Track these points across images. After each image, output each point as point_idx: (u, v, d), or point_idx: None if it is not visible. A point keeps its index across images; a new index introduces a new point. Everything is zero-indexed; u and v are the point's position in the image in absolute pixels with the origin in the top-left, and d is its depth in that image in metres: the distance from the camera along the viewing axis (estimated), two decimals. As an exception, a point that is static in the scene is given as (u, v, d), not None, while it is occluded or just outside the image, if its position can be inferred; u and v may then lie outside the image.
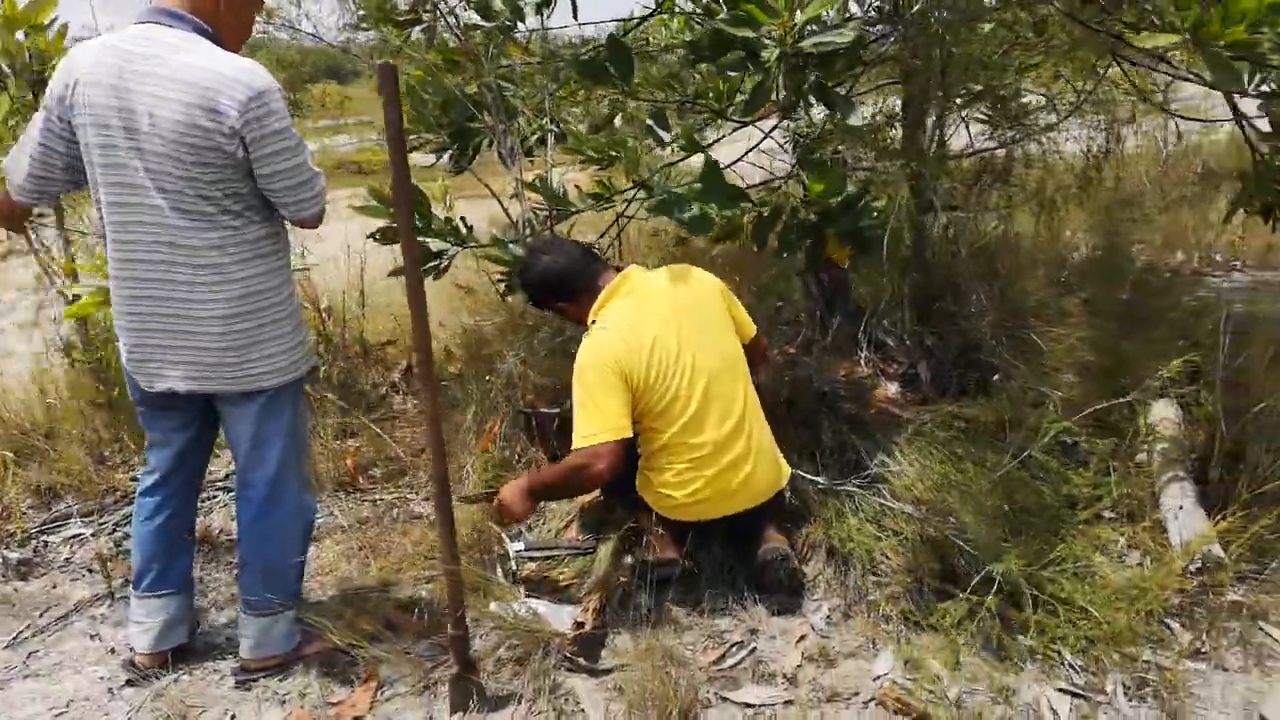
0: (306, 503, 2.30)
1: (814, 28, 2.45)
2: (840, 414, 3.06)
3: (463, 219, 3.11)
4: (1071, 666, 2.15)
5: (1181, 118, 4.21)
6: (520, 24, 3.79)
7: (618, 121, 3.31)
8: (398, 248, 3.06)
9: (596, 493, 2.76)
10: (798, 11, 2.37)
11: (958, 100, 3.61)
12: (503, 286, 3.39)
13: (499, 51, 3.57)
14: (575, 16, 3.52)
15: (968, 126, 3.98)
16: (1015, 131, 3.70)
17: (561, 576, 2.57)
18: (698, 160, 3.04)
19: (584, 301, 2.44)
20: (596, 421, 2.25)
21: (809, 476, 2.71)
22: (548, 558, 2.65)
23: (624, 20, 3.66)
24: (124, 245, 1.99)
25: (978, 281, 3.69)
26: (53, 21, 3.22)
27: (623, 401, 2.26)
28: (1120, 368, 3.43)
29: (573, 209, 3.59)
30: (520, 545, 2.68)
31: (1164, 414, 3.13)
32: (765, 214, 2.87)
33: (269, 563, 2.22)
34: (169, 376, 2.06)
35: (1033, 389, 3.28)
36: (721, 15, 2.43)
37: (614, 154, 3.77)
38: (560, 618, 2.33)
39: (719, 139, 3.68)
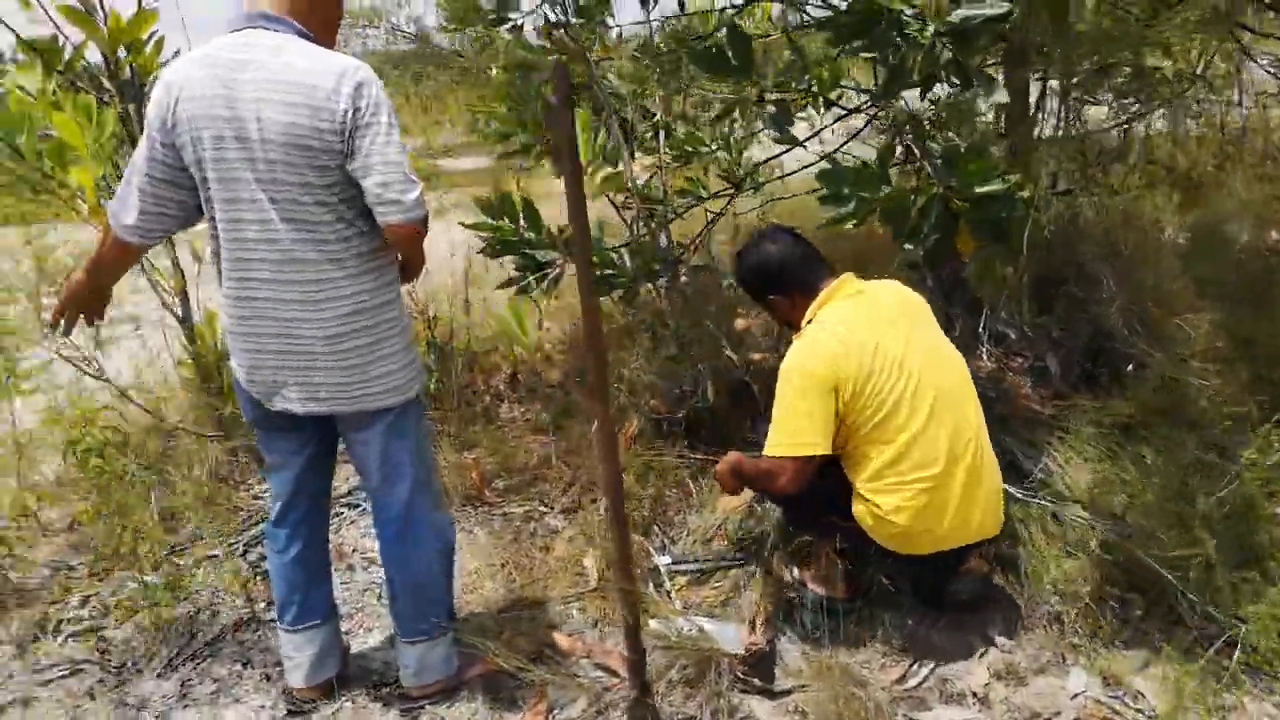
0: (443, 522, 2.21)
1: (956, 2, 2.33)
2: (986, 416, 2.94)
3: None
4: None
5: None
6: (610, 19, 3.73)
7: (736, 114, 3.19)
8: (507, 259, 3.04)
9: (743, 500, 2.67)
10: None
11: (1078, 78, 3.48)
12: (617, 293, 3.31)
13: (588, 48, 3.50)
14: (645, 7, 3.43)
15: (1078, 105, 3.83)
16: (1142, 106, 3.53)
17: (715, 591, 2.48)
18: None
19: (798, 299, 2.29)
20: (785, 434, 2.14)
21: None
22: (698, 571, 2.56)
23: (709, 10, 3.56)
24: (238, 262, 1.92)
25: (1103, 264, 3.55)
26: (151, 35, 3.17)
27: (822, 417, 2.10)
28: (1260, 353, 3.28)
29: (672, 210, 3.51)
30: (668, 559, 2.60)
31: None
32: (905, 201, 2.74)
33: (417, 587, 2.15)
34: (288, 397, 1.98)
35: (1174, 378, 3.13)
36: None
37: (714, 150, 3.68)
38: (728, 636, 2.24)
39: (817, 132, 3.57)
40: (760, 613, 2.30)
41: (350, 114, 1.80)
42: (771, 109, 2.73)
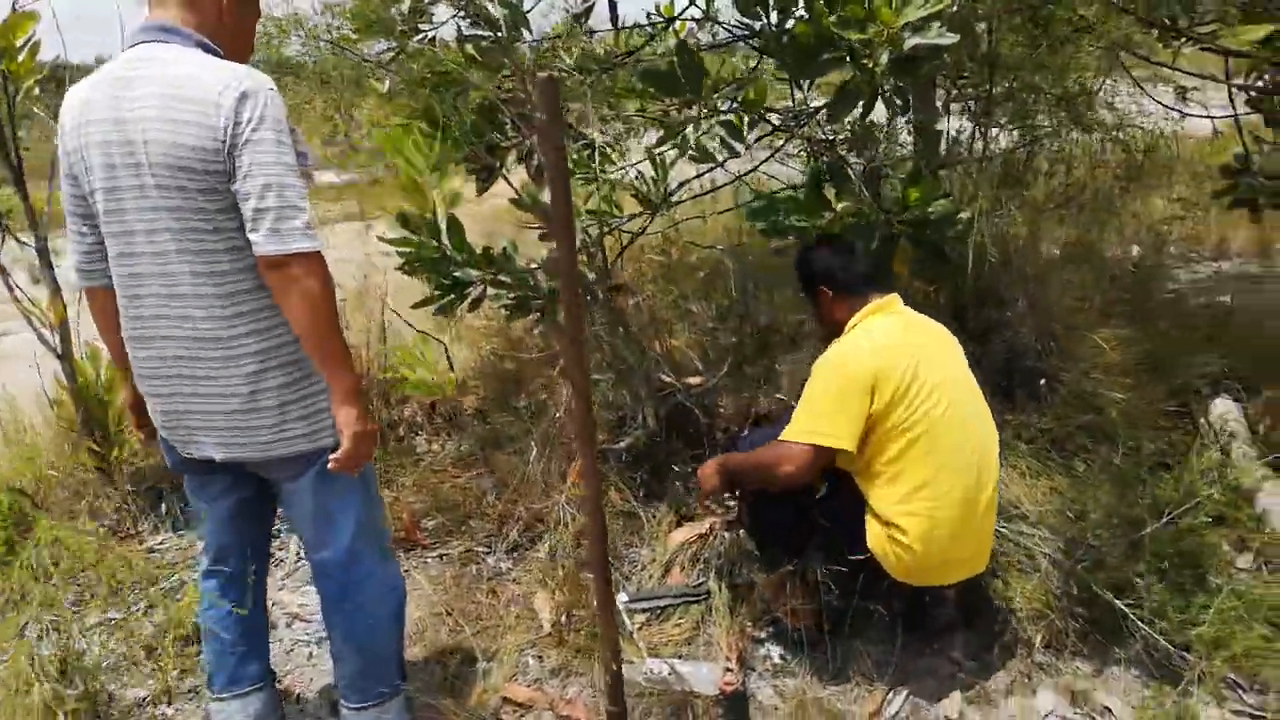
0: (392, 574, 2.00)
1: (908, 30, 2.35)
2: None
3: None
4: (1238, 685, 2.11)
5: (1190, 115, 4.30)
6: (526, 32, 3.61)
7: (690, 132, 3.13)
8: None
9: (693, 532, 2.59)
10: (905, 10, 2.27)
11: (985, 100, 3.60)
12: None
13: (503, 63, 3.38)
14: (615, 24, 3.36)
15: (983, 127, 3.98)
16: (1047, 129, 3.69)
17: (678, 629, 2.39)
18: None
19: (847, 302, 2.24)
20: (807, 420, 2.06)
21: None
22: (658, 607, 2.46)
23: (632, 27, 3.50)
24: (132, 300, 1.72)
25: (1013, 285, 3.68)
26: (28, 41, 2.83)
27: (853, 412, 2.02)
28: (1160, 367, 3.48)
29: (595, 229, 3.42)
30: (625, 596, 2.49)
31: (1224, 410, 3.16)
32: (845, 227, 2.75)
33: (364, 649, 1.95)
34: (202, 444, 1.78)
35: (1086, 394, 3.27)
36: (830, 17, 2.29)
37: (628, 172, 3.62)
38: (702, 676, 2.15)
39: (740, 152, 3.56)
40: (732, 650, 2.23)
41: (231, 128, 1.58)
42: (720, 128, 2.68)
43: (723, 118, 2.67)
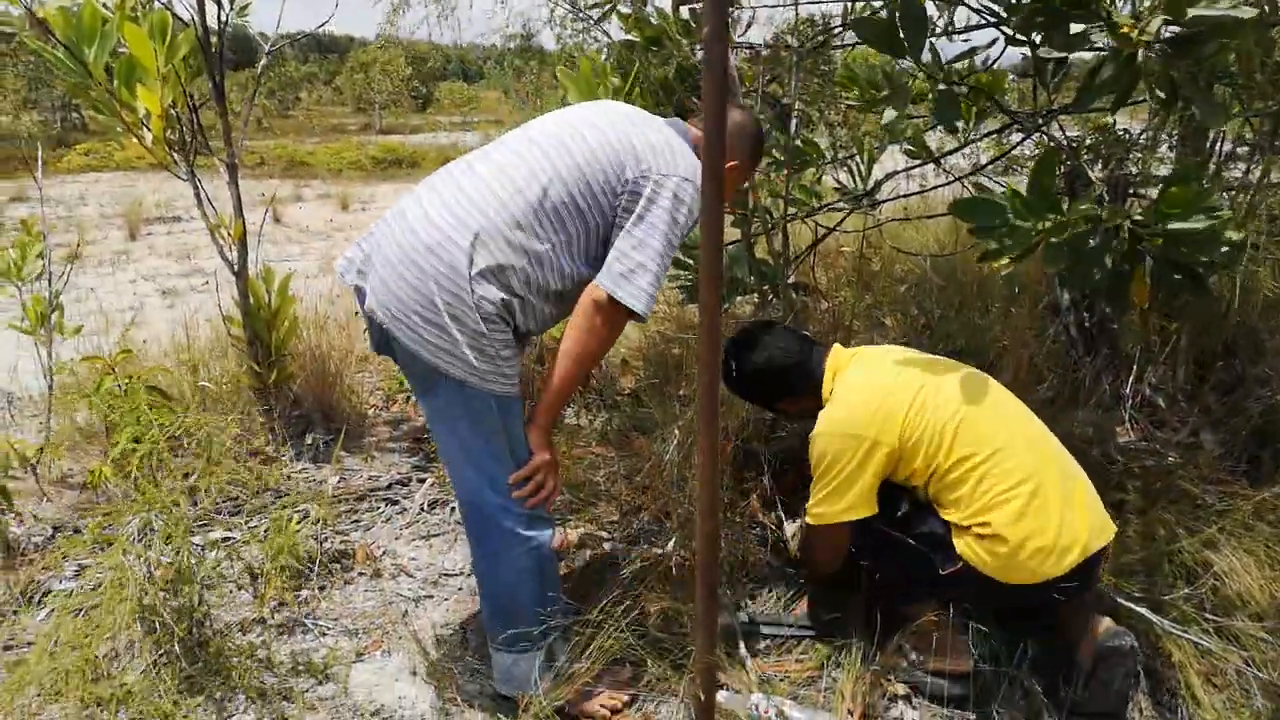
0: (530, 539, 1.82)
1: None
2: (1135, 491, 2.48)
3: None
4: None
5: None
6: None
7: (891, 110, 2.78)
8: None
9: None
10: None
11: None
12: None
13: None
14: None
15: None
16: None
17: (800, 666, 2.07)
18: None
19: (812, 393, 2.08)
20: (820, 503, 1.96)
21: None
22: (781, 636, 2.15)
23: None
24: None
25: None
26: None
27: (865, 483, 1.90)
28: None
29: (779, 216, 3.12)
30: (745, 617, 2.19)
31: None
32: (1080, 233, 2.30)
33: (494, 597, 1.88)
34: None
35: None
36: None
37: (837, 158, 3.27)
38: (815, 728, 1.82)
39: (964, 145, 3.14)
40: (856, 704, 1.88)
41: None
42: (936, 99, 2.30)
43: (943, 87, 2.29)
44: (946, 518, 1.89)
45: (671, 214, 1.73)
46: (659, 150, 1.77)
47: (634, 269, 1.71)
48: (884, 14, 2.23)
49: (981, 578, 1.84)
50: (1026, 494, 1.81)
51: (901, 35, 2.12)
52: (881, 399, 1.90)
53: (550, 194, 1.71)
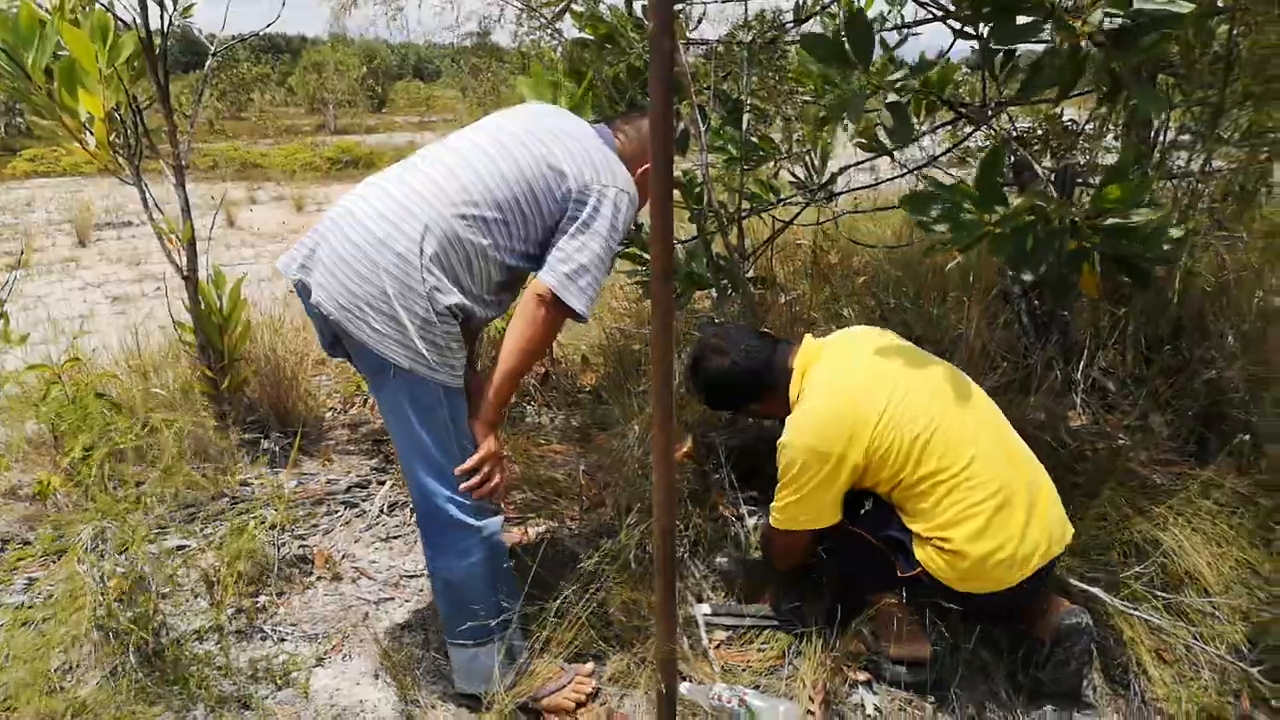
0: (478, 532, 1.84)
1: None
2: (1086, 474, 2.53)
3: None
4: None
5: None
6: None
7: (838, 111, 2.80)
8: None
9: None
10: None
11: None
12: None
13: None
14: None
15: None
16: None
17: (761, 655, 2.08)
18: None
19: (780, 394, 2.07)
20: (780, 509, 1.99)
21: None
22: (742, 627, 2.16)
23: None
24: None
25: (1225, 321, 3.13)
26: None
27: (830, 494, 1.92)
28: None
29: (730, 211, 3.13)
30: (706, 608, 2.20)
31: None
32: (1023, 227, 2.34)
33: (448, 588, 1.89)
34: None
35: (1303, 457, 2.70)
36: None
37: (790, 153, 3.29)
38: (776, 714, 1.84)
39: (916, 137, 3.17)
40: (818, 690, 1.90)
41: None
42: (886, 112, 2.32)
43: (892, 99, 2.32)
44: (909, 525, 1.90)
45: (612, 221, 1.83)
46: (598, 163, 1.86)
47: (577, 270, 1.80)
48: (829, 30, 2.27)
49: (940, 583, 1.87)
50: (992, 508, 1.82)
51: (850, 52, 2.15)
52: (849, 410, 1.89)
53: (495, 192, 1.78)
